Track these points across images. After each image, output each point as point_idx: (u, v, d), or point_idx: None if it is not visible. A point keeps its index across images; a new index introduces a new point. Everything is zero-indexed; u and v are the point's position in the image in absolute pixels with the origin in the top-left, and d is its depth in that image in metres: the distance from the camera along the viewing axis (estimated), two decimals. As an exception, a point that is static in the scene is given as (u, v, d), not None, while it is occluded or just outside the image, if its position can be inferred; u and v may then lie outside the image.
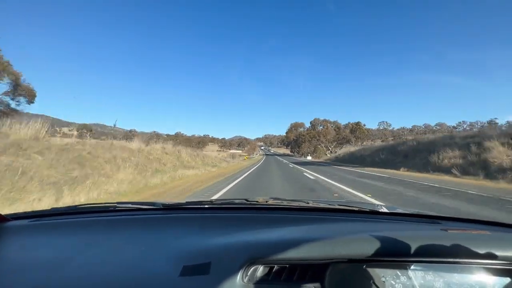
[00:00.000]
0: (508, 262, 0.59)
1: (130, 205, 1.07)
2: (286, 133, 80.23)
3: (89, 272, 0.63)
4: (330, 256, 0.60)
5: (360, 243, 0.61)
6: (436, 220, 0.90)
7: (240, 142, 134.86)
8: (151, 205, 1.07)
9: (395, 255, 0.60)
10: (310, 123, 66.69)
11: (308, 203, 1.11)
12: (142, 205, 1.08)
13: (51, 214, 1.02)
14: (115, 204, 1.08)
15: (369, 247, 0.59)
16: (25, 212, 1.03)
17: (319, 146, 58.40)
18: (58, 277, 0.62)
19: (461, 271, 0.60)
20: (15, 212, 1.02)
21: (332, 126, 60.75)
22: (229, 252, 0.65)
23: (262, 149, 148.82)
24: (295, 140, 72.44)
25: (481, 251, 0.58)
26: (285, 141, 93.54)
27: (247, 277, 0.59)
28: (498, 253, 0.58)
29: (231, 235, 0.74)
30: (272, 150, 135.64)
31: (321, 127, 62.22)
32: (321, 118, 64.52)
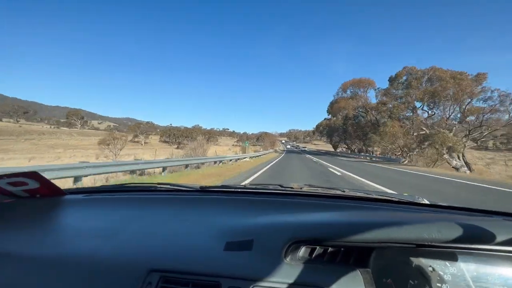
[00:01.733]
0: None
1: (169, 186, 1.16)
2: (330, 108, 40.28)
3: (139, 241, 0.70)
4: (375, 239, 0.57)
5: (407, 229, 0.57)
6: (491, 215, 0.81)
7: (259, 136, 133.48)
8: (189, 187, 1.15)
9: (446, 242, 0.55)
10: (391, 79, 28.51)
11: (344, 191, 1.12)
12: (180, 186, 1.16)
13: (101, 191, 1.14)
14: (156, 185, 1.17)
15: (417, 232, 0.56)
16: (77, 188, 1.17)
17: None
18: (112, 244, 0.68)
19: None
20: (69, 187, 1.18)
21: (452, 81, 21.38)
22: (270, 231, 0.66)
23: (283, 143, 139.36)
24: (345, 125, 39.77)
25: None
26: (322, 129, 53.33)
27: (289, 256, 0.61)
28: None
29: (271, 216, 0.77)
30: (301, 146, 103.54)
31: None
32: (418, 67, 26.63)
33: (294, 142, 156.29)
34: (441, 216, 0.76)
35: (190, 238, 0.70)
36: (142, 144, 75.53)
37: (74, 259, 0.63)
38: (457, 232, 0.55)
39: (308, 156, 28.49)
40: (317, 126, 56.71)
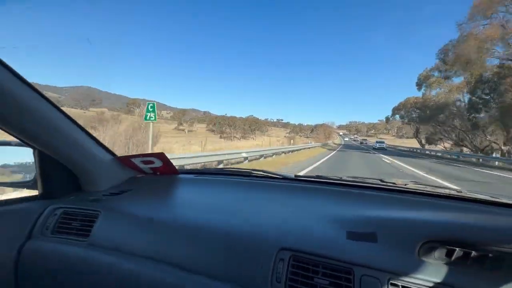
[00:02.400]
0: None
1: (262, 173, 1.18)
2: (443, 60, 20.62)
3: (266, 219, 0.73)
4: None
5: None
6: None
7: (314, 128, 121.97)
8: (282, 175, 1.14)
9: None
10: None
11: (460, 192, 0.98)
12: (274, 174, 1.16)
13: (205, 173, 1.38)
14: (250, 171, 1.21)
15: None
16: (188, 169, 1.47)
17: None
18: (220, 218, 0.75)
19: None
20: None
21: None
22: (399, 226, 0.64)
23: (340, 135, 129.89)
24: (477, 96, 19.70)
25: None
26: (404, 113, 32.49)
27: (423, 254, 0.57)
28: None
29: (392, 212, 0.74)
30: (367, 140, 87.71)
31: None
32: None
33: (356, 135, 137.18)
34: None
35: (311, 222, 0.70)
36: (185, 132, 74.32)
37: (207, 228, 0.70)
38: None
39: (398, 163, 12.46)
40: (395, 110, 34.67)
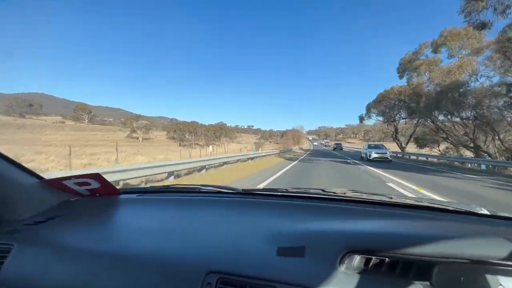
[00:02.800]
0: None
1: (212, 188, 1.19)
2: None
3: (197, 242, 0.72)
4: (438, 254, 0.56)
5: (472, 244, 0.57)
6: None
7: (284, 133, 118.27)
8: (231, 189, 1.15)
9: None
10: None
11: (391, 198, 1.05)
12: (223, 188, 1.17)
13: (150, 191, 1.25)
14: (200, 187, 1.20)
15: (482, 249, 0.55)
16: (131, 188, 1.28)
17: None
18: (172, 243, 0.72)
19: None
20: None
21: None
22: (323, 238, 0.66)
23: (310, 140, 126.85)
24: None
25: None
26: (385, 108, 26.00)
27: (344, 265, 0.59)
28: None
29: (322, 223, 0.76)
30: (330, 144, 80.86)
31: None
32: None
33: (327, 140, 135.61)
34: (504, 231, 0.71)
35: (243, 240, 0.70)
36: (140, 141, 64.75)
37: (138, 256, 0.66)
38: None
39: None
40: (370, 107, 27.95)
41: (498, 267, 0.53)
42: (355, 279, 0.55)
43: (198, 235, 0.74)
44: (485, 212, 0.91)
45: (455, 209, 0.90)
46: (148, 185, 6.71)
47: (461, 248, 0.55)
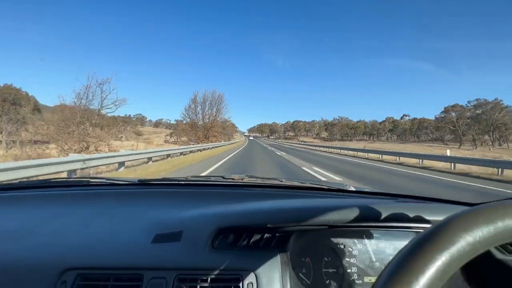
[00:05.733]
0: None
1: (104, 180, 1.10)
2: None
3: (55, 240, 0.66)
4: (292, 222, 0.63)
5: (321, 212, 0.63)
6: (397, 198, 0.92)
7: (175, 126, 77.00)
8: (126, 181, 1.09)
9: (353, 222, 0.62)
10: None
11: (281, 181, 1.16)
12: (117, 180, 1.10)
13: (19, 187, 1.06)
14: (88, 179, 1.09)
15: (328, 216, 0.62)
16: (2, 185, 1.07)
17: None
18: (22, 246, 0.63)
19: (408, 237, 0.67)
20: None
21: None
22: (199, 221, 0.69)
23: (245, 135, 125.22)
24: None
25: (423, 217, 0.63)
26: None
27: (216, 244, 0.63)
28: (429, 218, 0.63)
29: (204, 208, 0.77)
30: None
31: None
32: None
33: (273, 137, 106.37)
34: (354, 201, 0.80)
35: (115, 234, 0.68)
36: None
37: None
38: (362, 213, 0.61)
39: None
40: None
41: (340, 229, 0.65)
42: (223, 255, 0.60)
43: (59, 234, 0.68)
44: (352, 189, 1.09)
45: (329, 187, 1.07)
46: None
47: (317, 217, 0.61)
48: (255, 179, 1.17)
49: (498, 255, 0.56)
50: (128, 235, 0.66)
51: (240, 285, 0.57)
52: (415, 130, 76.97)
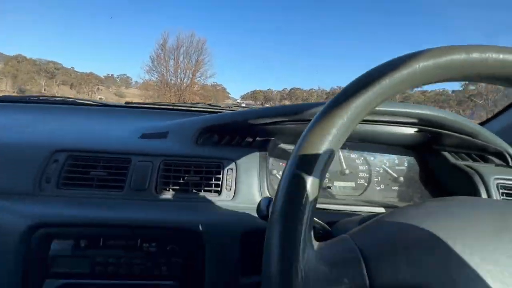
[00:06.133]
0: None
1: (91, 102, 1.14)
2: None
3: (49, 130, 0.72)
4: (276, 117, 0.66)
5: (307, 108, 0.65)
6: None
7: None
8: (113, 104, 1.20)
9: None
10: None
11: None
12: (102, 102, 1.18)
13: (12, 101, 1.08)
14: (74, 99, 1.13)
15: (312, 112, 0.65)
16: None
17: None
18: (16, 134, 0.67)
19: (377, 151, 0.76)
20: None
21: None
22: (185, 124, 0.74)
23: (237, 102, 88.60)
24: None
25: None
26: None
27: (200, 141, 0.68)
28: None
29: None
30: None
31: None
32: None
33: (267, 105, 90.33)
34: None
35: (105, 130, 0.75)
36: None
37: None
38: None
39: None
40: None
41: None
42: (207, 148, 0.66)
43: (55, 127, 0.73)
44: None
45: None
46: None
47: (300, 113, 0.63)
48: (208, 105, 1.23)
49: (452, 160, 0.69)
50: (117, 133, 0.72)
51: (221, 171, 0.62)
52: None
